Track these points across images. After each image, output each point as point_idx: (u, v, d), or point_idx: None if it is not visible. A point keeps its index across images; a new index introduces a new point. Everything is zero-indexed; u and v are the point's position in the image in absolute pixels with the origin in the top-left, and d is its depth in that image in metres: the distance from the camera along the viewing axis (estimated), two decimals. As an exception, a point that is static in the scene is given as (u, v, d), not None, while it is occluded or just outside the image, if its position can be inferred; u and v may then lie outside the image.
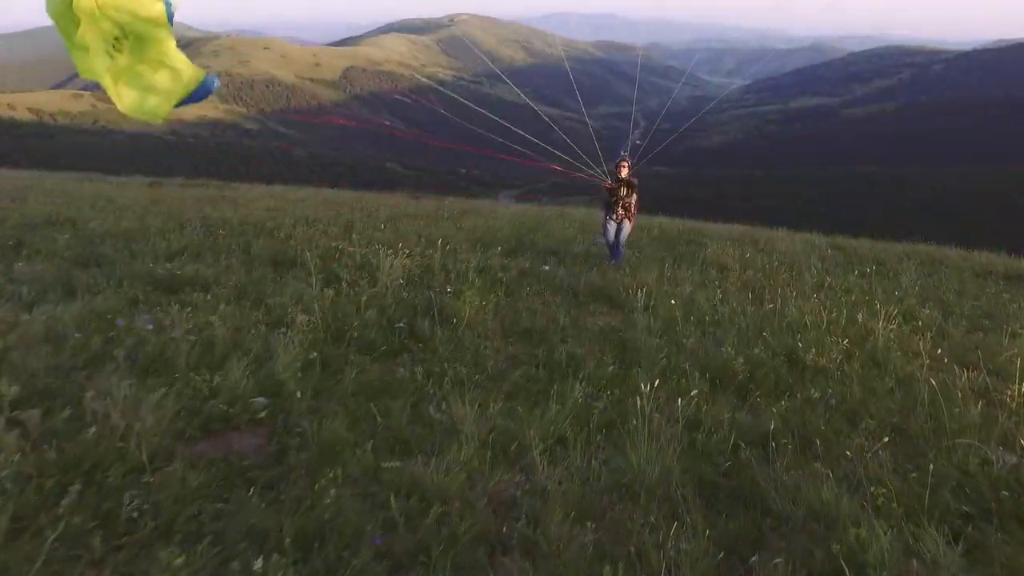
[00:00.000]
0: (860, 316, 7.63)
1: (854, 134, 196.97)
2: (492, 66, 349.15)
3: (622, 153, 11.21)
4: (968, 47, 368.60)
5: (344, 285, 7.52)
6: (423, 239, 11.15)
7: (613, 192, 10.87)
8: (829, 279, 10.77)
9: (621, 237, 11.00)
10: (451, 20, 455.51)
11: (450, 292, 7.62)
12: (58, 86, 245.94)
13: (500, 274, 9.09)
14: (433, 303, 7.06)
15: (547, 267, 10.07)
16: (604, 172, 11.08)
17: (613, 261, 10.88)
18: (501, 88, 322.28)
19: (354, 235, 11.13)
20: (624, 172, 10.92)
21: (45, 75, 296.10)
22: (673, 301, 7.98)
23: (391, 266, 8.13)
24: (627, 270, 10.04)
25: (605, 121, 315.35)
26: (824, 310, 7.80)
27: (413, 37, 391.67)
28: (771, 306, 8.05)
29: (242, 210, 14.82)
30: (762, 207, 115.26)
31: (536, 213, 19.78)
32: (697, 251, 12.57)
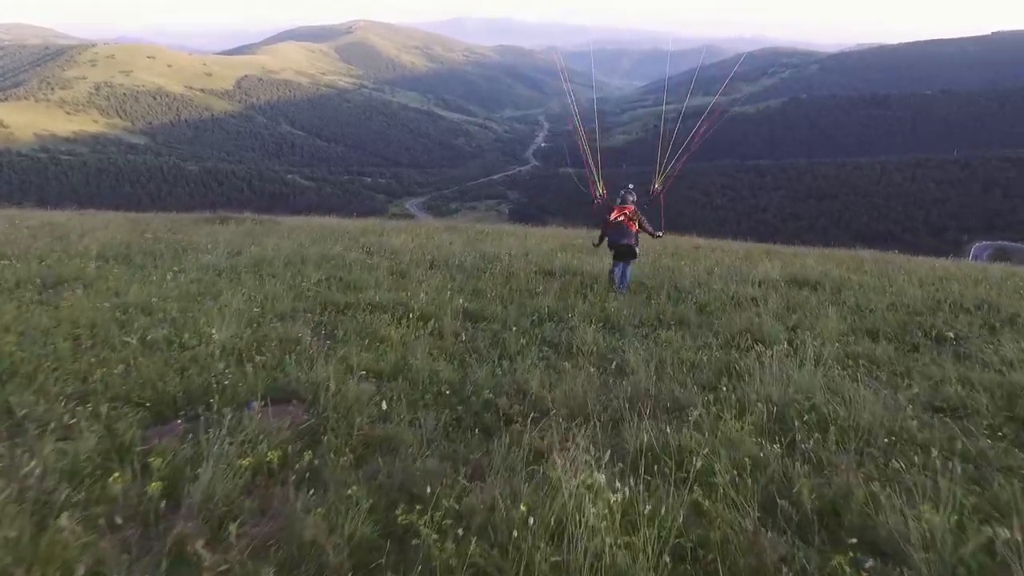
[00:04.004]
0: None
1: (744, 129, 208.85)
2: (393, 72, 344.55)
3: (630, 186, 11.09)
4: (836, 49, 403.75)
5: None
6: None
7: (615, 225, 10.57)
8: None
9: (627, 274, 10.49)
10: (349, 27, 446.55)
11: None
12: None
13: None
14: None
15: None
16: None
17: (620, 287, 10.17)
18: (404, 95, 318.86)
19: None
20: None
21: None
22: None
23: None
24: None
25: (509, 124, 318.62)
26: None
27: (311, 45, 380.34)
28: None
29: None
30: (665, 203, 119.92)
31: (308, 246, 12.31)
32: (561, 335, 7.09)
